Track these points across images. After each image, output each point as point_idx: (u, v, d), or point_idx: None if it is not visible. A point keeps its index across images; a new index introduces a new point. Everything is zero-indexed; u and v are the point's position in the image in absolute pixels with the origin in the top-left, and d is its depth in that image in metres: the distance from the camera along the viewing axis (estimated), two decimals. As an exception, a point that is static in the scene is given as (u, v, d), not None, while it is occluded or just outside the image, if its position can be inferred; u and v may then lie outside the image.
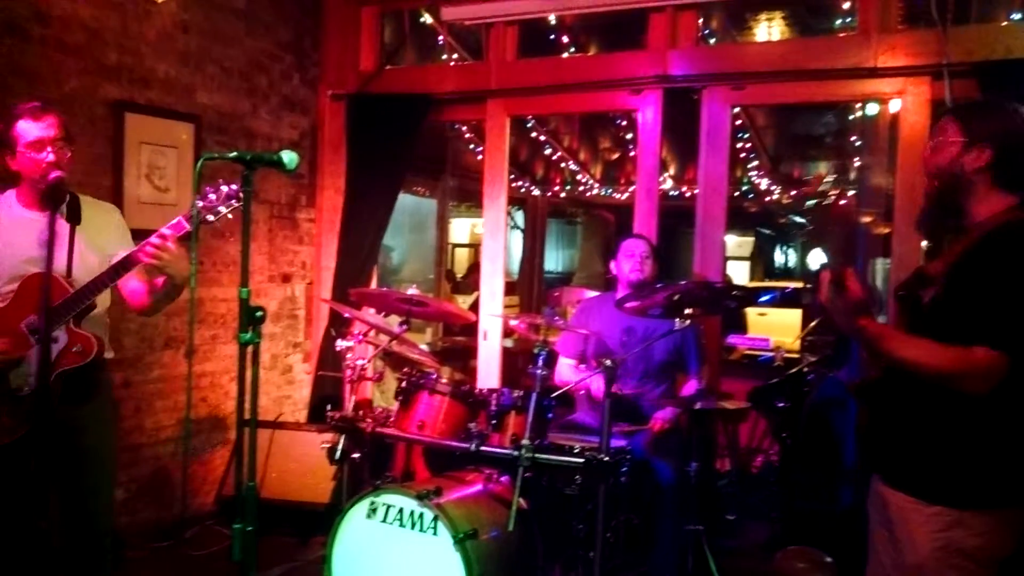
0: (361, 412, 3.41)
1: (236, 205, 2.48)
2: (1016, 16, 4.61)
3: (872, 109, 6.70)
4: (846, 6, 4.76)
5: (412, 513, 2.88)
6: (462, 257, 15.86)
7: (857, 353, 2.83)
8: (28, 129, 2.63)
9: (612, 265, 3.95)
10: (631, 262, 3.80)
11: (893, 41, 3.96)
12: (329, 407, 3.45)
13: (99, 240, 2.76)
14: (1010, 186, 2.10)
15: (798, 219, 15.28)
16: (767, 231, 18.73)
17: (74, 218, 2.71)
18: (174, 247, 2.58)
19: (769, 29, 6.81)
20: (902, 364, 2.07)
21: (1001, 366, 1.93)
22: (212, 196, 2.50)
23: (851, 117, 8.34)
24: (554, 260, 16.17)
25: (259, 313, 2.07)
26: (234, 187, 2.47)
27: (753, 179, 10.37)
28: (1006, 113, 2.12)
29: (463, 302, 8.74)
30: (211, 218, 2.52)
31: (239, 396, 2.09)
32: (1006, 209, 2.08)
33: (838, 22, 5.45)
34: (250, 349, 2.06)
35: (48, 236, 2.54)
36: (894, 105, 4.22)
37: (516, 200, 11.04)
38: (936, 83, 3.90)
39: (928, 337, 2.04)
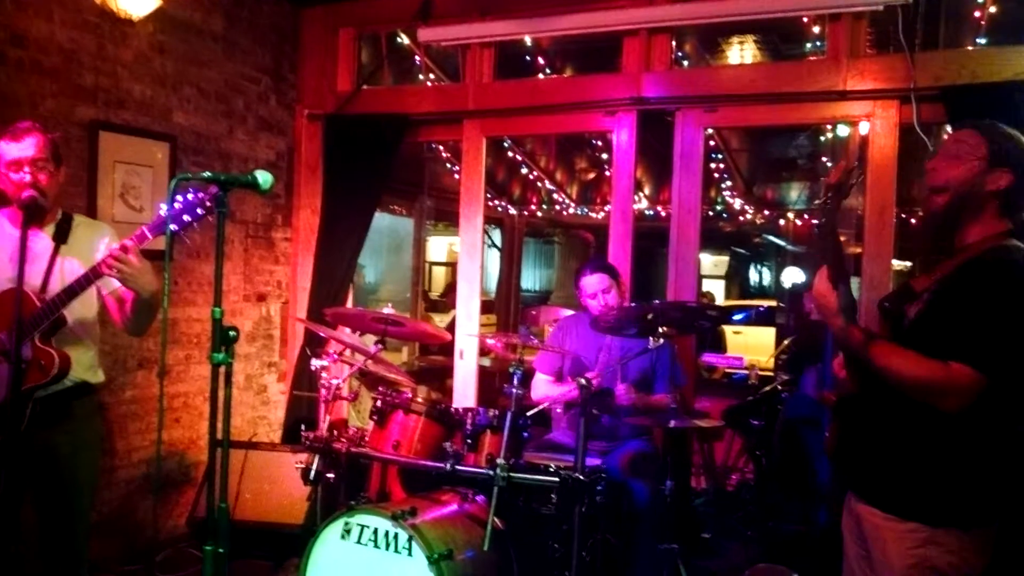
0: (336, 432, 3.39)
1: (202, 214, 2.35)
2: (982, 41, 4.73)
3: (843, 131, 6.81)
4: (816, 31, 4.85)
5: (387, 533, 2.86)
6: (439, 276, 15.87)
7: (828, 368, 2.84)
8: (7, 149, 2.65)
9: (576, 292, 3.88)
10: (595, 302, 3.74)
11: (862, 66, 4.04)
12: (304, 427, 3.42)
13: (89, 258, 2.73)
14: (1011, 213, 2.10)
15: (775, 239, 15.40)
16: (742, 250, 18.89)
17: (60, 237, 2.72)
18: (135, 259, 2.54)
19: (741, 53, 6.92)
20: (883, 372, 2.05)
21: (978, 385, 1.93)
22: (177, 205, 2.35)
23: (823, 139, 8.47)
24: (532, 279, 16.22)
25: (232, 333, 2.07)
26: (200, 195, 2.33)
27: (727, 199, 10.50)
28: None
29: (439, 321, 8.74)
30: (175, 227, 2.35)
31: (211, 417, 2.08)
32: (998, 234, 2.09)
33: (808, 46, 5.55)
34: (223, 369, 2.06)
35: (20, 253, 2.53)
36: (864, 127, 4.30)
37: (493, 219, 11.09)
38: (904, 106, 3.98)
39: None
